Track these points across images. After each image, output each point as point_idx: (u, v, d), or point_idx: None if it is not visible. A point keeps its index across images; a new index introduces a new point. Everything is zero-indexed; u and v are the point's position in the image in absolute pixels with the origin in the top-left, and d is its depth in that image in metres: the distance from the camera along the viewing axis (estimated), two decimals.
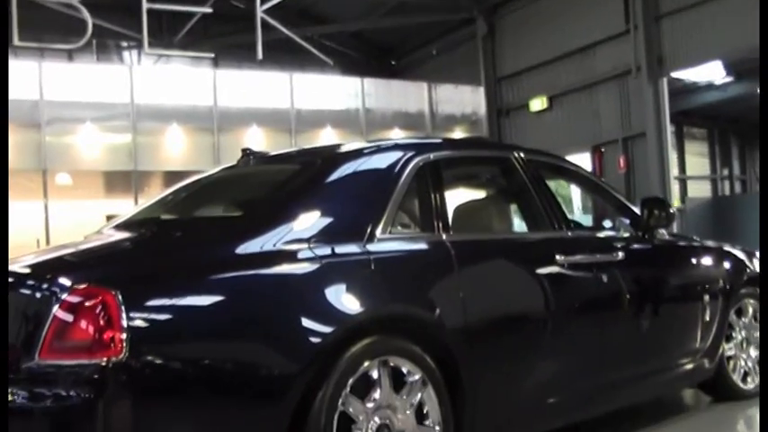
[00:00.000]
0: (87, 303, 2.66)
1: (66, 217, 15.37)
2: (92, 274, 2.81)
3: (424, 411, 3.23)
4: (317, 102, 16.34)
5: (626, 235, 4.53)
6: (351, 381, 3.01)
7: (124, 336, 2.62)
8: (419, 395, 3.21)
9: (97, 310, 2.64)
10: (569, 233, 4.15)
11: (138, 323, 2.67)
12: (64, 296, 2.69)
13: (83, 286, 2.71)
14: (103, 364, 2.60)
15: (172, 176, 16.55)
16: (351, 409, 3.01)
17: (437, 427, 3.24)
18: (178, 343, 2.75)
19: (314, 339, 2.93)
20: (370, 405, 3.08)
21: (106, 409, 2.60)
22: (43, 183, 14.17)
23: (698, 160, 19.13)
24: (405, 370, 3.18)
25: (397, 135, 16.78)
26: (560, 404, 3.83)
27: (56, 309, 2.69)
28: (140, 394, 2.65)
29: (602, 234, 4.77)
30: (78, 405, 2.59)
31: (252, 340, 2.86)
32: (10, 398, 2.68)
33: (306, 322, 2.95)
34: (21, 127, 13.17)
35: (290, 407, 2.85)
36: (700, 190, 19.15)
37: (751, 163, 20.09)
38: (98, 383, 2.59)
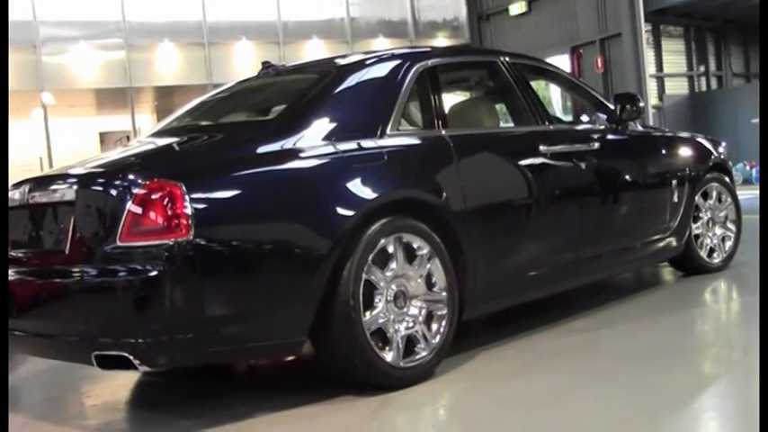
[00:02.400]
0: (156, 195, 3.22)
1: (63, 135, 15.80)
2: (158, 171, 3.35)
3: (432, 280, 3.83)
4: (303, 13, 16.64)
5: (602, 127, 5.09)
6: (371, 255, 3.59)
7: (188, 220, 3.19)
8: (428, 266, 3.80)
9: (165, 201, 3.20)
10: (551, 127, 4.72)
11: (199, 209, 3.23)
12: (137, 190, 3.25)
13: (152, 181, 3.26)
14: (171, 243, 3.17)
15: (166, 91, 17.00)
16: (373, 278, 3.61)
17: (443, 293, 3.85)
18: (232, 225, 3.32)
19: (340, 221, 3.51)
20: (388, 274, 3.67)
21: (174, 280, 3.18)
22: (42, 102, 14.52)
23: (675, 58, 19.53)
24: (416, 245, 3.77)
25: (382, 43, 17.16)
26: (544, 276, 4.45)
27: (130, 201, 3.24)
28: (202, 268, 3.22)
29: (580, 127, 5.35)
30: (152, 277, 3.16)
31: (290, 223, 3.44)
32: (94, 275, 3.27)
33: (334, 207, 3.52)
34: (17, 48, 13.48)
35: (324, 278, 3.44)
36: (677, 87, 19.61)
37: (726, 59, 20.54)
38: (168, 259, 3.17)
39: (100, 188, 3.43)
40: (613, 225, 4.94)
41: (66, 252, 3.40)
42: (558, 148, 4.59)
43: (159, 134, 4.27)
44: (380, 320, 3.63)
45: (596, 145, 4.85)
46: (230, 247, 3.30)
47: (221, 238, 3.28)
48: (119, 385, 4.21)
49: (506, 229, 4.25)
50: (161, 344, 3.20)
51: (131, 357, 3.20)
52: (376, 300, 3.63)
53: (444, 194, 3.90)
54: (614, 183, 4.93)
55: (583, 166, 4.69)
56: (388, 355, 3.62)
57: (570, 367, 3.82)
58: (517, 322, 4.56)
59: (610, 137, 5.06)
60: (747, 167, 16.15)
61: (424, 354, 3.75)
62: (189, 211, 3.20)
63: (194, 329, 3.22)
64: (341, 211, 3.52)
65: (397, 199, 3.76)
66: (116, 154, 3.98)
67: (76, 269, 3.34)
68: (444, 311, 3.85)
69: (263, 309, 3.37)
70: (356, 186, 3.62)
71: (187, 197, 3.21)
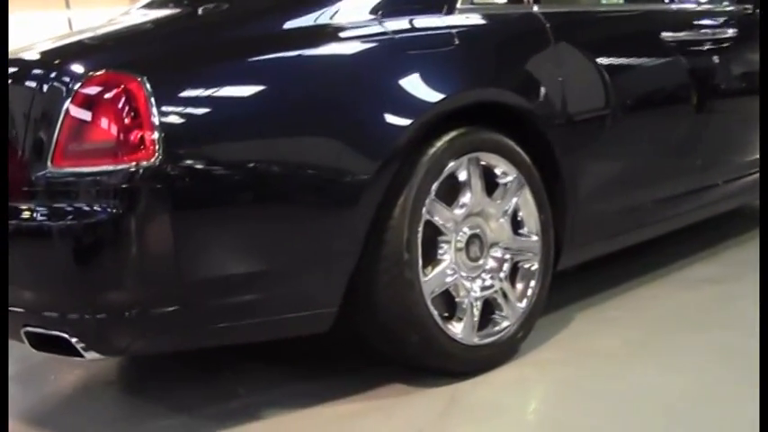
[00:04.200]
0: (107, 94, 2.09)
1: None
2: (111, 59, 2.23)
3: (518, 218, 2.69)
4: None
5: (733, 8, 3.81)
6: (435, 185, 2.45)
7: (156, 134, 2.06)
8: (513, 200, 2.66)
9: (120, 103, 2.07)
10: (673, 6, 3.49)
11: (173, 118, 2.10)
12: (77, 86, 2.12)
13: (100, 73, 2.12)
14: (132, 169, 2.05)
15: None
16: (437, 218, 2.47)
17: (534, 237, 2.71)
18: (224, 141, 2.18)
19: (390, 135, 2.36)
20: (458, 212, 2.53)
21: (138, 227, 2.07)
22: None
23: None
24: (498, 171, 2.62)
25: None
26: (663, 208, 3.28)
27: (68, 103, 2.12)
28: (180, 207, 2.11)
29: (707, 8, 4.03)
30: (104, 221, 2.06)
31: (311, 135, 2.28)
32: (26, 215, 2.16)
33: (377, 113, 2.37)
34: None
35: (366, 220, 2.32)
36: None
37: None
38: (127, 194, 2.06)
39: (32, 83, 2.30)
40: (748, 142, 3.70)
41: None
42: (685, 34, 3.35)
43: (154, 4, 3.04)
44: (447, 279, 2.51)
45: (730, 32, 3.59)
46: (221, 175, 2.17)
47: (208, 161, 2.16)
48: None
49: (619, 144, 3.05)
50: (123, 322, 2.12)
51: (72, 340, 2.12)
52: (440, 250, 2.50)
53: (538, 97, 2.72)
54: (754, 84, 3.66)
55: (716, 59, 3.45)
56: (457, 328, 2.52)
57: (717, 340, 2.67)
58: (614, 268, 3.39)
59: (746, 21, 3.77)
60: None
61: (506, 324, 2.63)
62: (156, 119, 2.06)
63: (173, 300, 2.13)
64: (391, 119, 2.37)
65: (473, 102, 2.58)
66: (77, 34, 2.81)
67: None
68: (534, 263, 2.71)
69: (275, 267, 2.25)
70: (413, 83, 2.45)
71: (152, 99, 2.07)
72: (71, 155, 2.12)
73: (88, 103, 2.10)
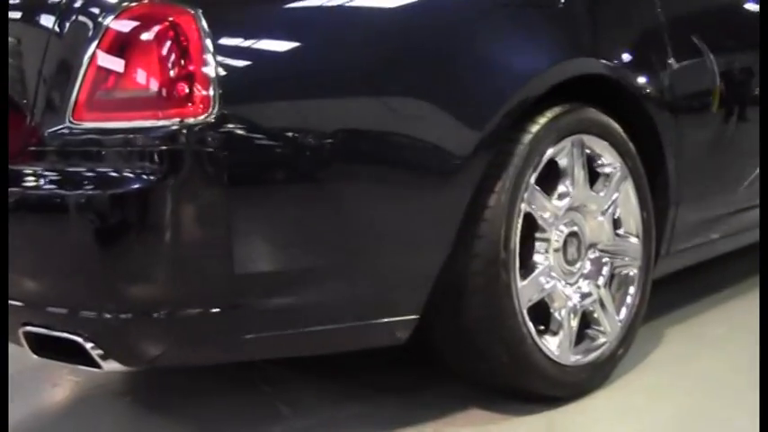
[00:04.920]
0: (148, 31, 1.63)
1: None
2: None
3: (616, 216, 2.24)
4: None
5: None
6: (535, 171, 2.00)
7: (210, 84, 1.60)
8: (615, 195, 2.21)
9: (165, 42, 1.61)
10: None
11: (234, 65, 1.65)
12: (108, 21, 1.65)
13: (139, 3, 1.66)
14: (176, 127, 1.59)
15: None
16: (537, 210, 2.02)
17: (633, 239, 2.26)
18: (296, 99, 1.72)
19: (490, 102, 1.91)
20: (560, 204, 2.09)
21: (179, 201, 1.61)
22: None
23: None
24: (601, 159, 2.18)
25: None
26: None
27: (96, 42, 1.65)
28: (235, 180, 1.65)
29: None
30: (135, 191, 1.60)
31: (403, 97, 1.82)
32: (32, 182, 1.70)
33: (480, 77, 1.92)
34: None
35: (459, 210, 1.86)
36: None
37: None
38: (168, 158, 1.60)
39: (46, 16, 1.82)
40: None
41: None
42: None
43: None
44: (545, 285, 2.05)
45: None
46: (292, 142, 1.70)
47: (273, 123, 1.68)
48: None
49: (727, 139, 2.61)
50: (153, 324, 1.65)
51: (87, 345, 1.65)
52: (538, 251, 2.04)
53: (651, 77, 2.28)
54: None
55: None
56: (552, 344, 2.06)
57: None
58: (706, 273, 2.93)
59: None
60: None
61: (603, 340, 2.19)
62: (211, 66, 1.60)
63: (220, 299, 1.66)
64: (495, 85, 1.93)
65: (578, 74, 2.13)
66: None
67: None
68: (633, 268, 2.26)
69: (347, 261, 1.79)
70: (509, 52, 2.00)
71: (208, 39, 1.61)
72: (97, 106, 1.67)
73: (123, 41, 1.64)
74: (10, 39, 1.82)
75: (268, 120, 1.66)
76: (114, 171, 1.62)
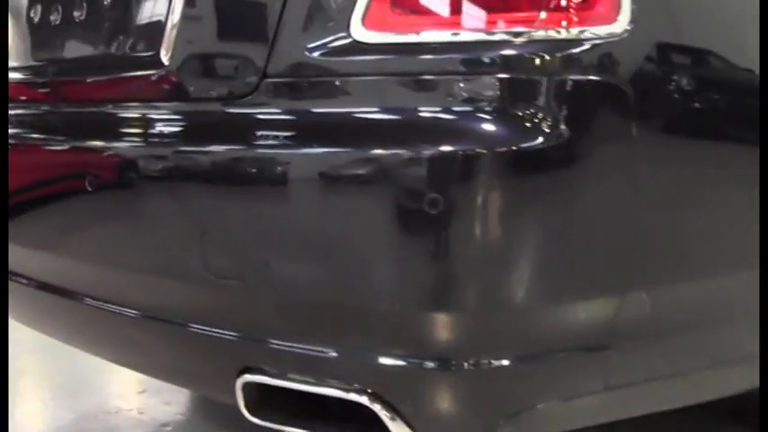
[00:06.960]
0: None
1: None
2: None
3: None
4: None
5: None
6: None
7: None
8: None
9: None
10: None
11: None
12: None
13: None
14: (577, 40, 0.91)
15: None
16: None
17: None
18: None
19: None
20: None
21: (573, 176, 0.93)
22: None
23: None
24: None
25: None
26: None
27: None
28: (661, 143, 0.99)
29: None
30: (489, 156, 0.90)
31: None
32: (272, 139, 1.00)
33: None
34: None
35: None
36: None
37: None
38: (562, 96, 0.93)
39: None
40: None
41: (165, 62, 1.11)
42: None
43: None
44: None
45: None
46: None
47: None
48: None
49: None
50: (493, 378, 0.96)
51: (374, 406, 0.95)
52: None
53: None
54: None
55: None
56: None
57: None
58: None
59: None
60: None
61: None
62: None
63: (610, 333, 1.00)
64: None
65: None
66: None
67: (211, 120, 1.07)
68: None
69: None
70: None
71: None
72: (408, 9, 0.97)
73: None
74: None
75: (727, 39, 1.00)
76: (445, 112, 0.94)
